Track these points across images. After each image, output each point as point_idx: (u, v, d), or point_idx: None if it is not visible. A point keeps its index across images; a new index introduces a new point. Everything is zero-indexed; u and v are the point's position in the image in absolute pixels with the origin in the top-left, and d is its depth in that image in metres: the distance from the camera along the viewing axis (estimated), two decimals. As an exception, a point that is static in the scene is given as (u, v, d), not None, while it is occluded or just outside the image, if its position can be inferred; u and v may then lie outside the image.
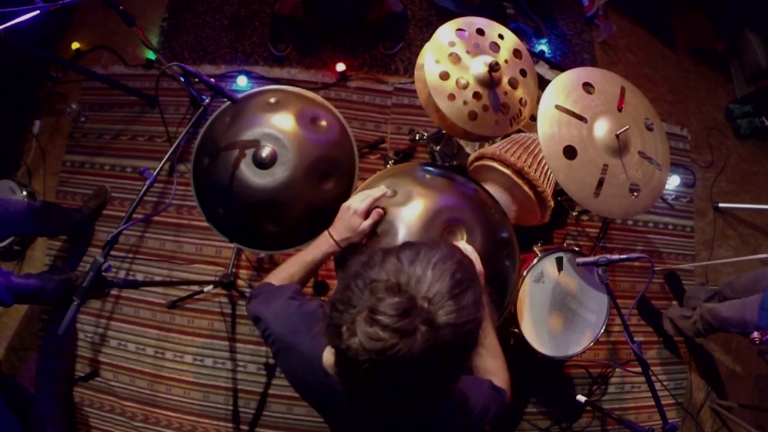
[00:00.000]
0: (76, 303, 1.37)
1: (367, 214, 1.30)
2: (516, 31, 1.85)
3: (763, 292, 1.97)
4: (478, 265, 1.29)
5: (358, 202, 1.30)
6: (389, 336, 0.72)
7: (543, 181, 1.64)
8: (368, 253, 0.86)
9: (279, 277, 1.27)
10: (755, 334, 1.90)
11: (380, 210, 1.31)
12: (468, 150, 2.20)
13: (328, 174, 1.56)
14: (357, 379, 0.77)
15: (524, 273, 1.85)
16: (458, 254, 0.85)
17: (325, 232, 1.31)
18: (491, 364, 1.24)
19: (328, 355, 0.98)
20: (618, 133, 1.45)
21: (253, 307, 1.18)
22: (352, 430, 1.09)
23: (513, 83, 1.58)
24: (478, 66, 1.51)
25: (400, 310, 0.73)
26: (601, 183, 1.47)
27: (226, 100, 1.56)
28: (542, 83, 1.63)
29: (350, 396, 0.95)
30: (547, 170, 1.66)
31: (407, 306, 0.73)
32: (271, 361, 2.43)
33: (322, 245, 1.29)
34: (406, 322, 0.73)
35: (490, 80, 1.51)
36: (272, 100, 1.60)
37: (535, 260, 1.88)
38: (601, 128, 1.49)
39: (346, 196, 1.56)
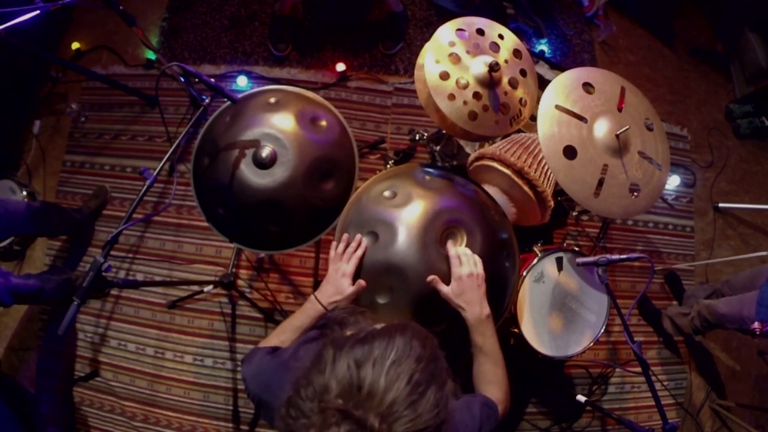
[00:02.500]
0: (76, 303, 1.37)
1: (354, 274, 1.31)
2: (516, 31, 1.84)
3: (761, 288, 1.97)
4: (479, 269, 1.30)
5: (345, 264, 1.31)
6: None
7: (543, 181, 1.64)
8: (318, 350, 0.80)
9: (270, 344, 1.26)
10: (756, 325, 1.89)
11: (362, 282, 1.30)
12: (468, 150, 2.20)
13: (328, 174, 1.56)
14: None
15: (524, 273, 1.85)
16: (417, 345, 0.77)
17: (312, 297, 1.31)
18: (490, 372, 1.24)
19: None
20: (618, 133, 1.45)
21: (243, 373, 1.18)
22: None
23: (513, 83, 1.58)
24: (478, 66, 1.51)
25: None
26: (601, 183, 1.47)
27: (226, 100, 1.56)
28: (542, 83, 1.63)
29: None
30: (547, 170, 1.66)
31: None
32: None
33: (309, 311, 1.30)
34: None
35: (490, 80, 1.51)
36: (272, 100, 1.60)
37: (535, 260, 1.87)
38: (601, 128, 1.48)
39: (346, 196, 1.56)
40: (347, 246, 1.34)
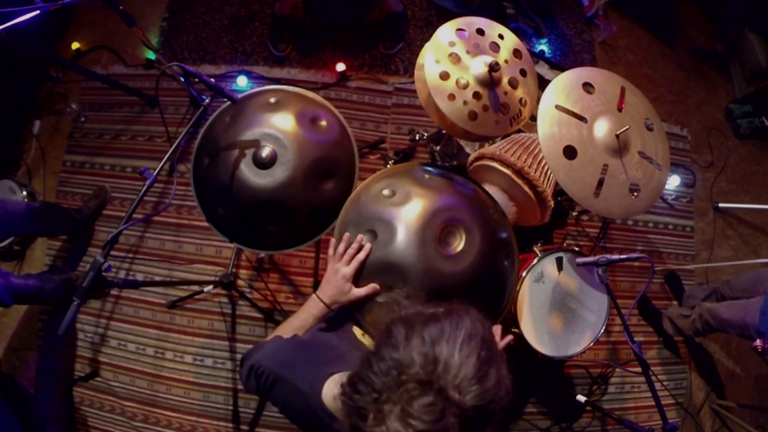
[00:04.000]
0: (76, 303, 1.37)
1: (354, 276, 1.30)
2: (516, 31, 1.84)
3: (765, 295, 1.97)
4: (497, 339, 1.30)
5: (345, 266, 1.30)
6: None
7: (543, 181, 1.64)
8: (386, 325, 0.84)
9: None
10: (757, 342, 1.89)
11: (376, 286, 1.29)
12: (468, 150, 2.20)
13: (328, 174, 1.56)
14: None
15: (524, 273, 1.85)
16: (480, 327, 0.83)
17: (314, 296, 1.30)
18: None
19: (331, 397, 0.96)
20: (618, 133, 1.45)
21: (244, 367, 1.15)
22: None
23: (513, 83, 1.58)
24: (478, 66, 1.51)
25: (435, 415, 0.72)
26: (601, 183, 1.47)
27: (226, 100, 1.56)
28: (542, 83, 1.62)
29: None
30: (547, 170, 1.66)
31: (442, 407, 0.73)
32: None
33: (312, 309, 1.29)
34: (442, 425, 0.73)
35: (490, 80, 1.51)
36: (272, 100, 1.60)
37: (535, 260, 1.88)
38: (601, 128, 1.48)
39: (346, 196, 1.56)
40: (347, 246, 1.33)
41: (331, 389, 0.97)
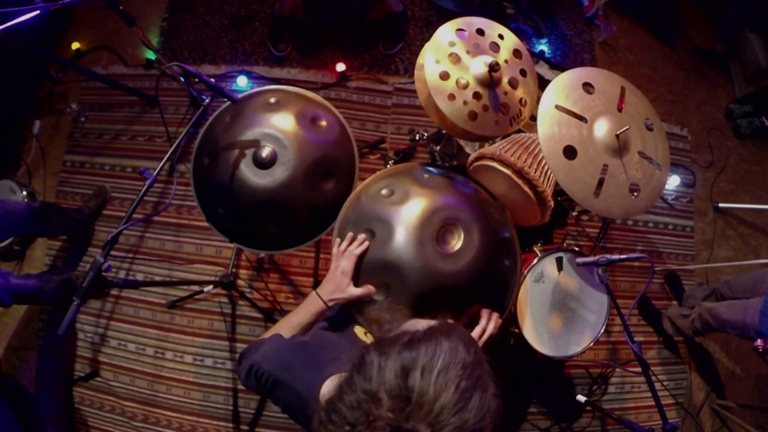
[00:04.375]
0: (76, 303, 1.37)
1: (352, 272, 1.31)
2: (516, 31, 1.85)
3: (765, 295, 1.97)
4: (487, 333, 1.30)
5: (344, 261, 1.31)
6: None
7: (543, 181, 1.64)
8: (361, 354, 0.79)
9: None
10: (758, 342, 1.89)
11: (372, 288, 1.31)
12: (468, 150, 2.20)
13: (328, 174, 1.56)
14: None
15: (524, 273, 1.85)
16: (462, 351, 0.77)
17: (313, 293, 1.31)
18: None
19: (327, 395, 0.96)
20: (618, 133, 1.45)
21: (243, 366, 1.15)
22: None
23: (513, 83, 1.58)
24: (478, 66, 1.51)
25: None
26: (601, 183, 1.47)
27: (226, 100, 1.56)
28: (542, 83, 1.62)
29: None
30: (547, 170, 1.65)
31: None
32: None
33: (311, 306, 1.30)
34: None
35: (490, 80, 1.51)
36: (272, 100, 1.60)
37: (535, 260, 1.88)
38: (601, 128, 1.48)
39: (346, 196, 1.56)
40: (350, 244, 1.35)
41: (327, 391, 0.96)
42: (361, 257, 1.33)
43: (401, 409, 0.70)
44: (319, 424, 0.77)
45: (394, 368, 0.73)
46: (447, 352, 0.75)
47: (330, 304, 1.30)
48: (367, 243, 1.34)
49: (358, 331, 1.29)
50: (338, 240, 1.39)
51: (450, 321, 0.84)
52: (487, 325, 1.32)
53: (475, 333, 1.30)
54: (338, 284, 1.30)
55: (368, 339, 1.25)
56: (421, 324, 0.85)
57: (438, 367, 0.73)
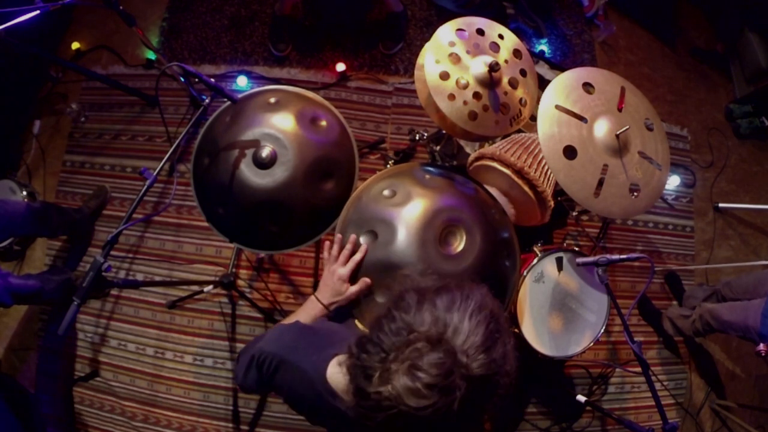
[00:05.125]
0: (76, 303, 1.37)
1: (351, 277, 1.30)
2: (516, 31, 1.84)
3: (766, 297, 1.97)
4: None
5: (341, 267, 1.30)
6: (431, 394, 0.73)
7: (543, 181, 1.64)
8: (399, 291, 0.85)
9: None
10: (761, 347, 1.89)
11: (367, 280, 1.29)
12: (468, 150, 2.20)
13: (328, 174, 1.56)
14: (376, 421, 0.77)
15: (524, 273, 1.85)
16: (490, 301, 0.85)
17: (312, 297, 1.31)
18: None
19: (335, 376, 0.96)
20: (618, 133, 1.45)
21: (241, 363, 1.14)
22: None
23: (513, 83, 1.58)
24: (478, 66, 1.51)
25: (443, 370, 0.74)
26: (601, 183, 1.47)
27: (226, 100, 1.56)
28: (542, 83, 1.63)
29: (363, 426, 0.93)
30: (547, 170, 1.66)
31: (450, 365, 0.74)
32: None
33: (310, 310, 1.29)
34: (449, 381, 0.74)
35: (490, 80, 1.51)
36: (272, 100, 1.60)
37: (535, 260, 1.88)
38: (601, 128, 1.48)
39: (346, 196, 1.56)
40: (341, 247, 1.32)
41: (335, 369, 0.97)
42: (361, 262, 1.32)
43: (441, 333, 0.77)
44: (350, 360, 0.82)
45: (433, 306, 0.80)
46: (479, 298, 0.83)
47: (331, 308, 1.30)
48: (365, 247, 1.31)
49: (359, 325, 1.29)
50: (327, 244, 1.36)
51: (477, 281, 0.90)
52: None
53: None
54: (337, 290, 1.29)
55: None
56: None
57: (471, 308, 0.80)
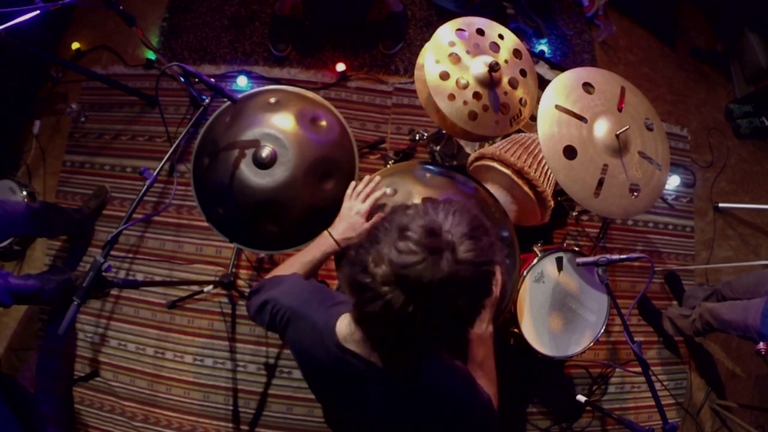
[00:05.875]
0: (76, 303, 1.37)
1: (369, 214, 1.31)
2: (516, 31, 1.85)
3: (766, 296, 1.96)
4: (497, 290, 1.31)
5: (360, 203, 1.33)
6: (419, 250, 0.78)
7: (543, 181, 1.64)
8: (390, 207, 0.94)
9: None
10: (761, 346, 1.89)
11: (382, 214, 1.31)
12: (468, 150, 2.20)
13: (328, 174, 1.56)
14: (377, 322, 0.82)
15: (524, 273, 1.85)
16: (475, 211, 0.90)
17: (325, 232, 1.32)
18: (486, 387, 1.24)
19: (343, 327, 1.00)
20: (618, 133, 1.46)
21: (255, 299, 1.17)
22: (361, 409, 1.07)
23: (513, 83, 1.58)
24: (478, 66, 1.51)
25: (428, 230, 0.80)
26: (601, 183, 1.47)
27: (226, 100, 1.56)
28: (542, 83, 1.63)
29: (366, 368, 0.97)
30: (547, 170, 1.66)
31: (435, 228, 0.81)
32: (271, 361, 2.43)
33: (321, 245, 1.31)
34: (434, 240, 0.79)
35: (490, 80, 1.51)
36: (272, 100, 1.60)
37: (535, 260, 1.87)
38: (601, 128, 1.49)
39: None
40: (365, 186, 1.37)
41: (344, 324, 1.00)
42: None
43: (430, 219, 0.84)
44: (347, 262, 0.87)
45: (425, 209, 0.87)
46: (460, 206, 0.89)
47: (342, 244, 1.30)
48: (383, 189, 1.37)
49: None
50: (353, 183, 1.41)
51: None
52: None
53: None
54: (353, 224, 1.31)
55: None
56: None
57: (454, 209, 0.87)
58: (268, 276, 1.27)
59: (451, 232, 0.82)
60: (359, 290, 0.82)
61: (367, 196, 1.34)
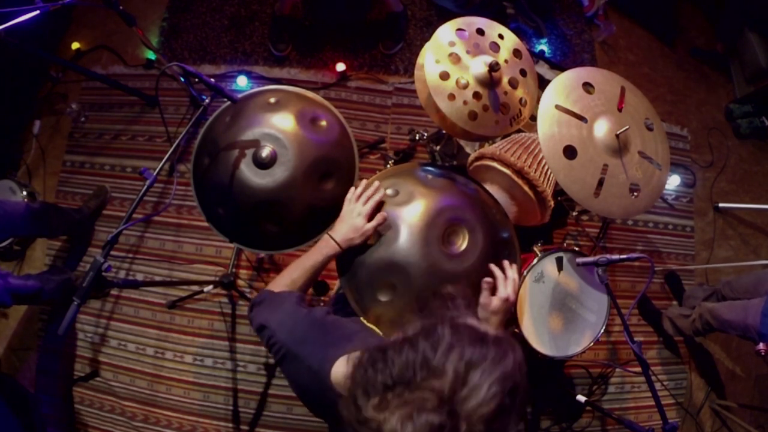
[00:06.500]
0: (76, 303, 1.37)
1: (370, 216, 1.31)
2: (516, 31, 1.84)
3: (766, 296, 1.97)
4: (516, 299, 1.31)
5: (361, 205, 1.32)
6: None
7: (543, 181, 1.64)
8: (434, 320, 0.79)
9: (280, 283, 1.26)
10: (761, 346, 1.90)
11: (384, 214, 1.32)
12: (468, 150, 2.20)
13: (328, 174, 1.56)
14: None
15: (524, 273, 1.85)
16: (518, 373, 0.79)
17: (326, 235, 1.32)
18: None
19: (339, 373, 0.96)
20: (618, 133, 1.45)
21: (256, 314, 1.16)
22: None
23: (513, 83, 1.58)
24: (478, 66, 1.51)
25: (446, 409, 0.70)
26: (601, 183, 1.47)
27: (226, 100, 1.56)
28: (542, 83, 1.62)
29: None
30: (547, 170, 1.66)
31: (447, 430, 0.70)
32: (272, 361, 2.43)
33: (323, 248, 1.30)
34: (451, 421, 0.69)
35: (490, 80, 1.51)
36: (272, 100, 1.60)
37: (535, 260, 1.87)
38: (601, 128, 1.48)
39: (346, 196, 1.56)
40: (365, 189, 1.36)
41: (340, 368, 0.97)
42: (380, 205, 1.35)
43: (454, 391, 0.71)
44: (357, 367, 0.78)
45: (460, 356, 0.73)
46: (509, 366, 0.77)
47: (344, 245, 1.30)
48: (383, 191, 1.36)
49: (366, 321, 1.29)
50: (352, 189, 1.39)
51: (516, 342, 0.84)
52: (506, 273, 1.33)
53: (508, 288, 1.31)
54: (354, 225, 1.30)
55: (376, 329, 1.25)
56: (491, 327, 0.84)
57: (496, 376, 0.74)
58: (270, 285, 1.26)
59: (469, 416, 0.70)
60: (355, 407, 0.75)
61: (369, 198, 1.34)
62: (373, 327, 1.25)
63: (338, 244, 1.29)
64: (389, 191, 1.41)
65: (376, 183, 1.37)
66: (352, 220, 1.31)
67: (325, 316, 1.11)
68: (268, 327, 1.11)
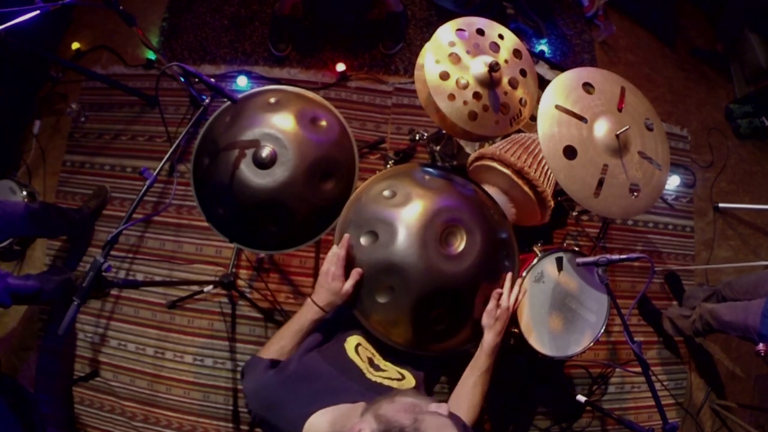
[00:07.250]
0: (76, 303, 1.37)
1: (344, 274, 1.32)
2: (516, 31, 1.84)
3: (766, 297, 1.96)
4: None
5: (332, 265, 1.33)
6: None
7: (543, 181, 1.64)
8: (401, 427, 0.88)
9: (269, 350, 1.29)
10: (761, 347, 1.90)
11: (359, 270, 1.33)
12: (468, 150, 2.20)
13: (328, 174, 1.56)
14: None
15: (524, 273, 1.85)
16: None
17: (308, 300, 1.33)
18: (477, 397, 1.31)
19: (313, 427, 1.01)
20: (618, 133, 1.45)
21: (244, 383, 1.22)
22: None
23: (513, 83, 1.58)
24: (478, 66, 1.51)
25: None
26: (601, 183, 1.47)
27: (226, 100, 1.56)
28: (542, 83, 1.62)
29: None
30: (547, 170, 1.66)
31: None
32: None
33: (307, 313, 1.32)
34: None
35: (490, 80, 1.51)
36: (272, 100, 1.60)
37: (535, 260, 1.87)
38: (601, 128, 1.48)
39: (346, 196, 1.56)
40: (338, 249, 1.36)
41: (312, 427, 1.02)
42: (352, 257, 1.34)
43: None
44: None
45: None
46: None
47: (327, 309, 1.32)
48: (347, 239, 1.34)
49: (349, 345, 1.29)
50: (334, 247, 1.40)
51: None
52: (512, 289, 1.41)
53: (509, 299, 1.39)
54: (330, 289, 1.32)
55: (357, 359, 1.26)
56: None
57: None
58: (260, 351, 1.30)
59: None
60: None
61: (339, 258, 1.33)
62: (354, 357, 1.26)
63: (321, 308, 1.32)
64: (386, 192, 1.41)
65: (345, 237, 1.35)
66: (327, 284, 1.33)
67: (296, 367, 1.16)
68: (247, 394, 1.18)
